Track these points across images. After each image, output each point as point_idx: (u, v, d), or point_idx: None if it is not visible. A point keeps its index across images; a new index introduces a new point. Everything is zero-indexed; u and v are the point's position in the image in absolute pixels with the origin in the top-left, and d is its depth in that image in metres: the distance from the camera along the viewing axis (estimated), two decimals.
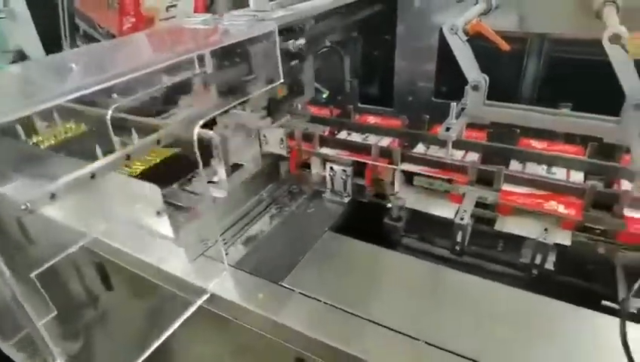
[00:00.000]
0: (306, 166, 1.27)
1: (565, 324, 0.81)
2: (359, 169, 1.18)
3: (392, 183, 1.15)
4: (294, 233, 1.05)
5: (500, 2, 1.36)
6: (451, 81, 1.55)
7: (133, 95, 1.01)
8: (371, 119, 1.42)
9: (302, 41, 1.15)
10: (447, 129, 1.05)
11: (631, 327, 0.76)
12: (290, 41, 1.11)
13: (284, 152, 1.13)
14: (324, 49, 1.52)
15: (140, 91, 0.94)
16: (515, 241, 1.01)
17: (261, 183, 1.20)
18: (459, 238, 0.99)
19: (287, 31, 1.16)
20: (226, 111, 1.04)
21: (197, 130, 0.78)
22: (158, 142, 0.91)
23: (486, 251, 1.04)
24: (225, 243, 1.01)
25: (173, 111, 1.24)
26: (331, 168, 1.14)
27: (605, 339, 0.76)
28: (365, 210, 1.15)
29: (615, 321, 0.79)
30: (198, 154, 0.80)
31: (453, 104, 1.06)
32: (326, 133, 1.29)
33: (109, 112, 0.91)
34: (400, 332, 0.78)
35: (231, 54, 0.95)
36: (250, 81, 0.96)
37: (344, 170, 1.12)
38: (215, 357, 1.04)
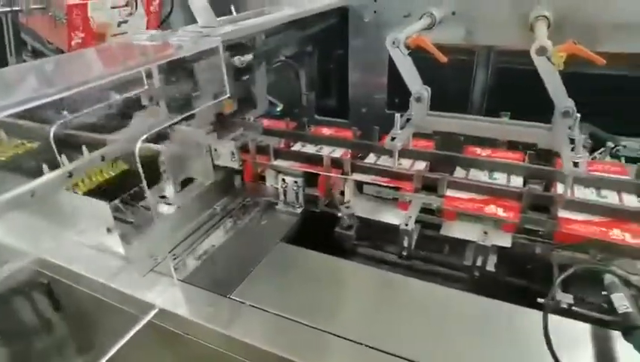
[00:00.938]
0: (262, 178, 1.29)
1: (504, 322, 0.85)
2: (313, 180, 1.20)
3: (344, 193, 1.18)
4: (246, 245, 1.06)
5: (444, 18, 1.43)
6: (403, 92, 1.61)
7: (79, 111, 1.00)
8: (325, 131, 1.45)
9: (249, 57, 1.17)
10: (393, 139, 1.09)
11: (565, 321, 0.81)
12: (237, 57, 1.12)
13: (235, 165, 1.14)
14: (278, 63, 1.55)
15: (84, 107, 0.94)
16: (462, 245, 1.05)
17: (215, 196, 1.21)
18: (405, 243, 1.03)
19: (237, 46, 1.19)
20: (173, 126, 1.05)
21: (138, 145, 0.78)
22: (103, 158, 0.90)
23: (434, 255, 1.07)
24: (175, 258, 1.01)
25: (126, 128, 1.23)
26: (283, 180, 1.16)
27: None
28: (318, 220, 1.17)
29: (551, 317, 0.84)
30: (140, 169, 0.80)
31: (398, 115, 1.10)
32: (281, 146, 1.31)
33: (52, 129, 0.90)
34: (350, 340, 0.80)
35: (175, 70, 0.96)
36: (196, 96, 0.97)
37: (295, 181, 1.14)
38: None
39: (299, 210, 1.17)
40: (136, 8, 1.45)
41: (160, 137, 1.12)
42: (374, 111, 1.73)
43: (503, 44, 1.59)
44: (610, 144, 1.28)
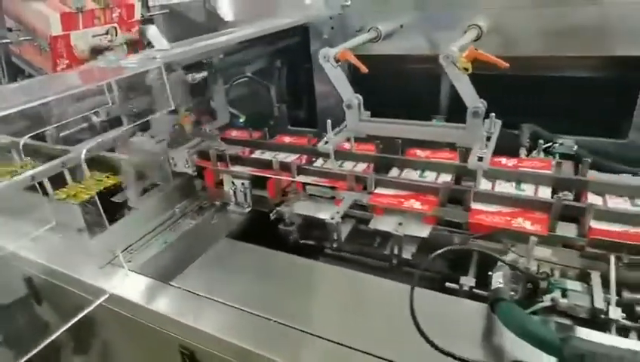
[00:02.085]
0: (222, 183, 1.42)
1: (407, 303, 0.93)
2: (264, 183, 1.33)
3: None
4: (194, 242, 1.19)
5: (392, 31, 1.55)
6: (365, 101, 1.73)
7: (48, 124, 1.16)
8: (286, 139, 1.58)
9: (203, 74, 1.32)
10: (326, 142, 1.21)
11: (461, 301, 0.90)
12: (190, 75, 1.27)
13: (190, 171, 1.28)
14: (244, 78, 1.70)
15: (52, 121, 1.09)
16: (387, 237, 1.14)
17: (175, 199, 1.34)
18: (335, 236, 1.13)
19: (194, 65, 1.34)
20: (132, 137, 1.20)
21: (84, 154, 0.93)
22: (64, 164, 1.06)
23: (361, 246, 1.17)
24: (131, 253, 1.15)
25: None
26: (232, 182, 1.28)
27: (451, 316, 0.88)
28: (265, 218, 1.29)
29: (456, 299, 0.92)
30: (87, 173, 0.94)
31: (329, 121, 1.22)
32: (242, 153, 1.44)
33: (22, 141, 1.06)
34: (271, 319, 0.90)
35: (129, 87, 1.11)
36: (144, 109, 1.12)
37: (243, 183, 1.27)
38: (118, 347, 1.17)
39: (247, 210, 1.29)
40: (116, 35, 1.63)
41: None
42: (339, 120, 1.84)
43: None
44: (540, 142, 1.35)
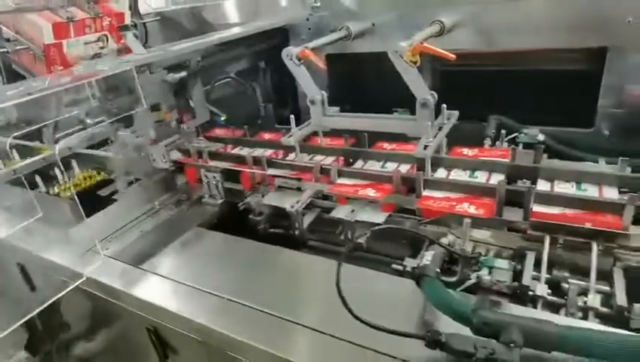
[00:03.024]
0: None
1: (361, 285, 0.98)
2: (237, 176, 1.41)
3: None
4: (169, 230, 1.27)
5: (364, 30, 1.62)
6: (342, 98, 1.80)
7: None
8: (266, 136, 1.66)
9: (182, 74, 1.41)
10: (290, 137, 1.28)
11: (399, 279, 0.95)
12: (170, 75, 1.37)
13: (166, 166, 1.37)
14: (227, 79, 1.79)
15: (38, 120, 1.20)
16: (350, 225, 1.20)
17: (157, 193, 1.44)
18: (297, 224, 1.20)
19: (174, 66, 1.43)
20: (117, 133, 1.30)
21: (57, 147, 1.03)
22: (44, 160, 1.16)
23: (321, 233, 1.24)
24: (110, 241, 1.24)
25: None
26: (206, 176, 1.37)
27: (386, 292, 0.95)
28: (237, 209, 1.37)
29: (401, 280, 0.98)
30: (60, 166, 1.04)
31: (292, 117, 1.29)
32: (225, 150, 1.53)
33: (8, 140, 1.17)
34: (226, 298, 0.98)
35: (102, 89, 1.21)
36: (118, 108, 1.22)
37: (214, 176, 1.35)
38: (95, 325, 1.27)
39: (219, 201, 1.37)
40: (107, 43, 1.75)
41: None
42: None
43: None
44: (503, 132, 1.38)
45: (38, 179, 1.37)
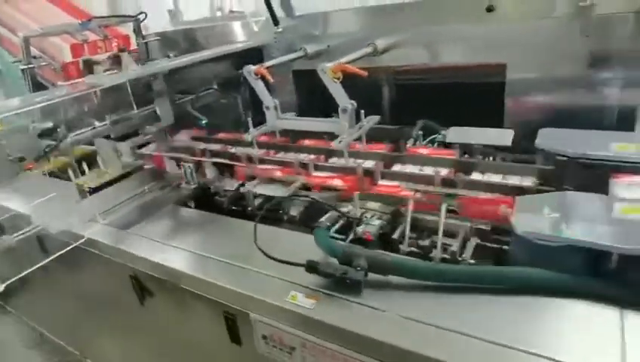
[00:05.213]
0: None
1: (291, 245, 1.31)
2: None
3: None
4: (150, 208, 1.63)
5: (320, 51, 1.98)
6: (308, 107, 2.17)
7: None
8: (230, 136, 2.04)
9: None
10: (248, 135, 1.64)
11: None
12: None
13: (131, 160, 1.75)
14: (209, 90, 2.17)
15: None
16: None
17: (147, 181, 1.80)
18: (249, 202, 1.55)
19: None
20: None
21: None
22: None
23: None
24: (108, 213, 1.61)
25: None
26: (182, 165, 1.73)
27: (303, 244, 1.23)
28: (208, 192, 1.72)
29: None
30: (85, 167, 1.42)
31: (249, 119, 1.65)
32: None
33: None
34: (196, 253, 1.31)
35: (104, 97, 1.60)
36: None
37: (189, 166, 1.71)
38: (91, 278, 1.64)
39: (193, 186, 1.72)
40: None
41: None
42: None
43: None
44: (420, 133, 1.71)
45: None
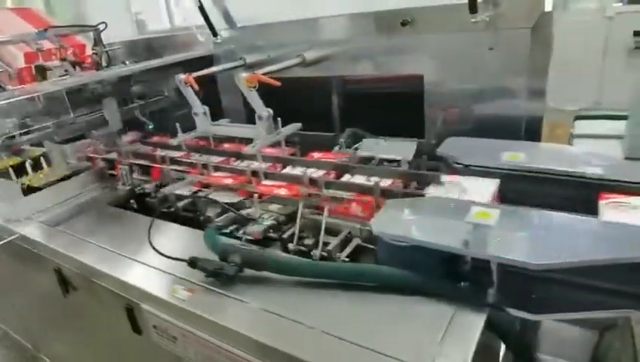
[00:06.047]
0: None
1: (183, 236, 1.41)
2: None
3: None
4: (83, 207, 1.74)
5: (260, 61, 2.07)
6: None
7: None
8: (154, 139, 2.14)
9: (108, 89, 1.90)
10: (176, 140, 1.74)
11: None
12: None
13: (74, 161, 1.85)
14: (161, 96, 2.28)
15: None
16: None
17: (89, 182, 1.91)
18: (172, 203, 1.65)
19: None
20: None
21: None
22: None
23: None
24: (44, 212, 1.71)
25: None
26: (119, 167, 1.83)
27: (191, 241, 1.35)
28: (143, 195, 1.82)
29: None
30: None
31: (177, 124, 1.75)
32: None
33: None
34: (115, 252, 1.41)
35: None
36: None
37: (124, 168, 1.81)
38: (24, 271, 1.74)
39: (128, 188, 1.82)
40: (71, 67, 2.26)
41: None
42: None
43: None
44: (341, 141, 1.80)
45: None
